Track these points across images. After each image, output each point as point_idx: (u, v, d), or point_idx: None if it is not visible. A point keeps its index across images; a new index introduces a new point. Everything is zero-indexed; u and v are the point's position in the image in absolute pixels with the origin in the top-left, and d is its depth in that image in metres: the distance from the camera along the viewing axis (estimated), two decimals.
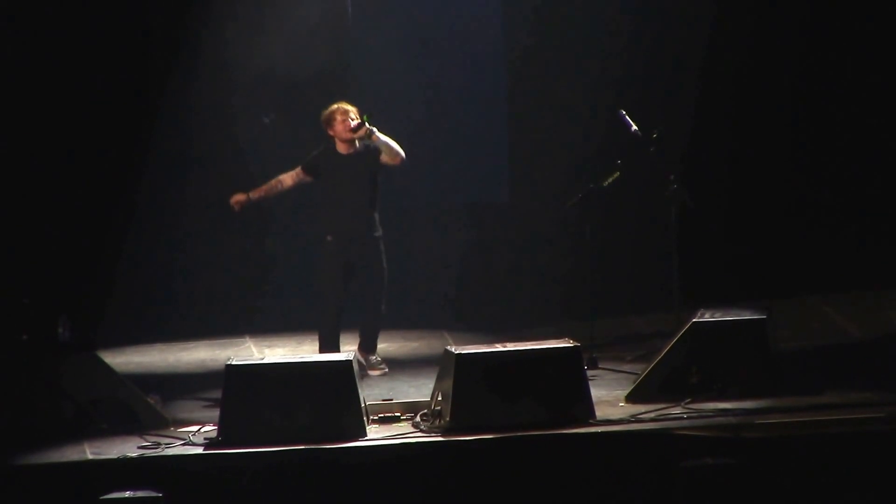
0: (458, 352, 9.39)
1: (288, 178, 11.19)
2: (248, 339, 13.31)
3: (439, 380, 9.56)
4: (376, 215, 11.14)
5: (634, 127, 11.48)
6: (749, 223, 14.15)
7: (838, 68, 14.23)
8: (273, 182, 11.21)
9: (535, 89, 14.32)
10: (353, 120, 10.99)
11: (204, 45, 14.06)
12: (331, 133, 11.08)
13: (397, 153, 11.00)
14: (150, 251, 13.96)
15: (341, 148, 11.08)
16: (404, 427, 9.44)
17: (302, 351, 12.02)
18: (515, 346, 9.57)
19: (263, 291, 13.88)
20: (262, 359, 9.74)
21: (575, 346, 9.49)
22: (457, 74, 14.38)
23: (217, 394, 9.47)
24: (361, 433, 9.17)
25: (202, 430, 9.47)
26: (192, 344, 13.23)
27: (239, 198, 11.17)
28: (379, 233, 11.14)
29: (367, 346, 11.30)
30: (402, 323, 13.20)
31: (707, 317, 10.14)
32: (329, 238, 11.04)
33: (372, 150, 11.06)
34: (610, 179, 11.42)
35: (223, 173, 14.17)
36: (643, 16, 14.02)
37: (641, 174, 11.57)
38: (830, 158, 14.27)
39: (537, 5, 14.19)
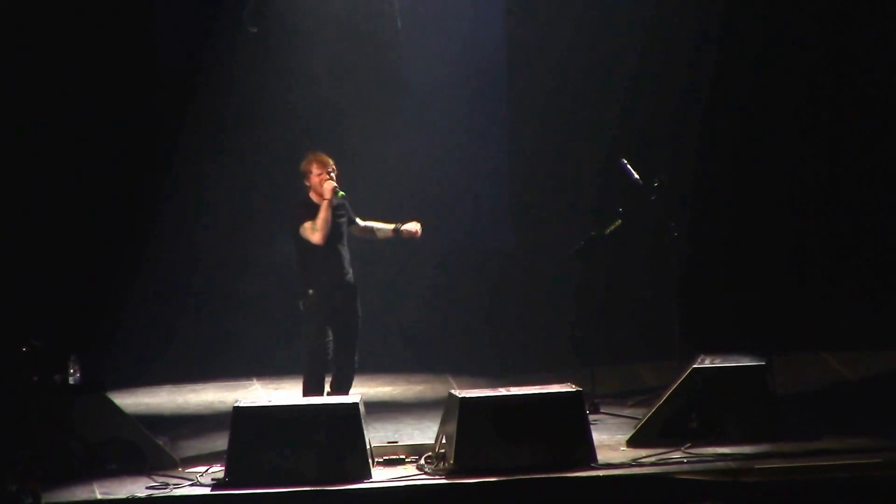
0: (461, 395, 9.51)
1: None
2: (255, 381, 13.39)
3: (443, 423, 9.67)
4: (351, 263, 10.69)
5: (636, 176, 11.62)
6: (750, 271, 14.20)
7: (843, 118, 14.33)
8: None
9: (539, 138, 14.38)
10: (330, 178, 10.49)
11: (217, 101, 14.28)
12: (307, 183, 10.59)
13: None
14: (160, 295, 14.04)
15: (315, 198, 10.52)
16: (409, 469, 9.54)
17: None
18: (518, 390, 9.68)
19: (271, 335, 13.95)
20: (270, 401, 9.82)
21: (577, 390, 9.61)
22: (462, 122, 14.49)
23: (225, 435, 9.54)
24: (367, 475, 9.28)
25: (210, 470, 9.56)
26: (200, 386, 13.31)
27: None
28: (354, 280, 10.66)
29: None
30: (407, 367, 13.30)
31: (707, 362, 10.26)
32: (311, 292, 10.53)
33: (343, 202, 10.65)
34: (612, 227, 11.52)
35: (234, 216, 14.35)
36: (644, 65, 14.09)
37: (643, 222, 11.70)
38: (831, 207, 14.36)
39: (542, 54, 14.28)
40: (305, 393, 10.57)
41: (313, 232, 10.45)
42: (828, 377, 12.57)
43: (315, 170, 10.52)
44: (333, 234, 10.52)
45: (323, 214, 10.43)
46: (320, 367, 10.57)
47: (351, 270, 10.64)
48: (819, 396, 11.82)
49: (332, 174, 10.51)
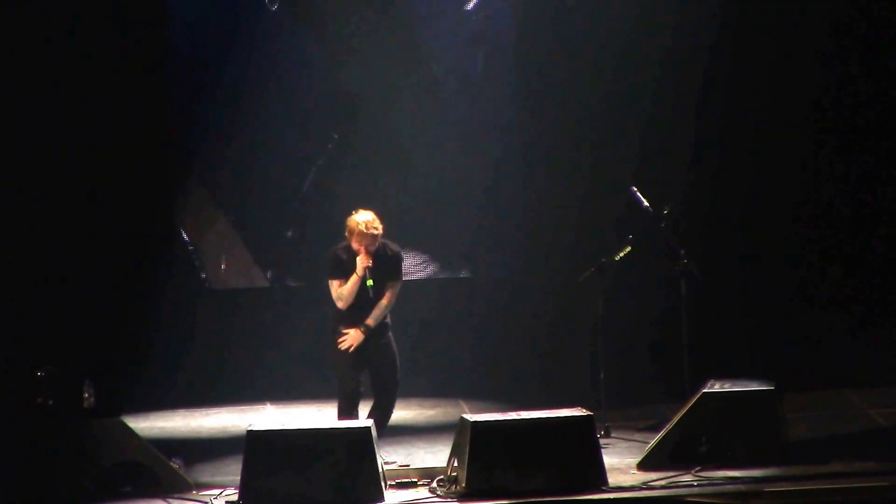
0: (473, 419, 9.60)
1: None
2: (268, 405, 13.47)
3: (455, 446, 9.74)
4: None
5: (645, 203, 11.70)
6: (761, 298, 14.14)
7: (861, 143, 14.29)
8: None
9: (548, 165, 14.39)
10: (366, 250, 10.47)
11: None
12: (347, 235, 10.57)
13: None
14: (174, 319, 14.09)
15: (356, 246, 10.50)
16: (421, 492, 9.64)
17: (321, 417, 12.17)
18: (530, 414, 9.76)
19: (284, 359, 14.01)
20: (283, 424, 9.91)
21: (588, 414, 9.70)
22: (471, 150, 14.56)
23: (238, 458, 9.62)
24: (379, 498, 9.37)
25: (224, 493, 9.66)
26: (214, 410, 13.37)
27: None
28: (387, 322, 10.70)
29: None
30: (420, 391, 13.33)
31: (717, 387, 10.35)
32: (341, 329, 10.57)
33: (390, 255, 10.63)
34: (621, 254, 11.61)
35: (249, 242, 14.45)
36: (655, 94, 14.09)
37: (653, 249, 11.76)
38: (848, 234, 14.34)
39: (551, 82, 14.31)
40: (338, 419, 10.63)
41: (338, 299, 10.55)
42: (833, 399, 12.62)
43: (354, 242, 10.49)
44: (358, 295, 10.54)
45: (350, 287, 10.50)
46: (348, 401, 10.58)
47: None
48: (824, 419, 11.89)
49: (370, 248, 10.44)
